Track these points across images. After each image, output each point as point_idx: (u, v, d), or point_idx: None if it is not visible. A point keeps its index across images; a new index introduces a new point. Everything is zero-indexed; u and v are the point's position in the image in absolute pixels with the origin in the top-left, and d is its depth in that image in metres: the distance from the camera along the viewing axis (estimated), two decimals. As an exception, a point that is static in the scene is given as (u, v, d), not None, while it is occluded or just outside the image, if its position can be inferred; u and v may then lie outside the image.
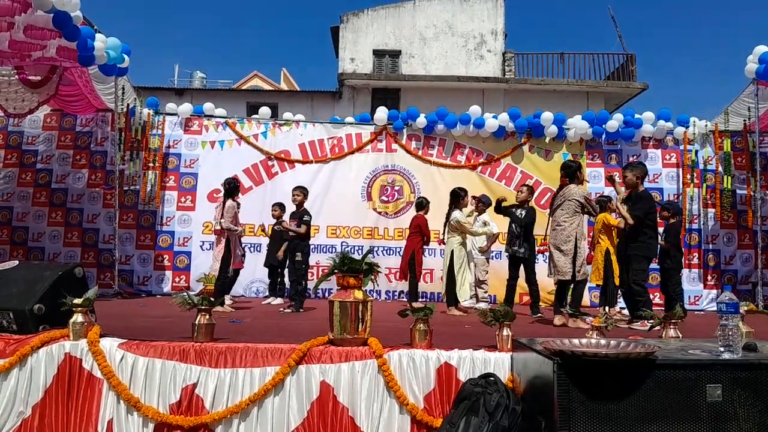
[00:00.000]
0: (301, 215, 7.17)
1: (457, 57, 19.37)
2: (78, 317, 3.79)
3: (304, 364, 3.59)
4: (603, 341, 3.04)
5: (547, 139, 9.78)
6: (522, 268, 6.96)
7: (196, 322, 3.84)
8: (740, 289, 9.09)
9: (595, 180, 9.59)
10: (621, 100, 18.92)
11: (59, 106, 9.26)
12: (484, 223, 7.89)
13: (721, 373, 2.63)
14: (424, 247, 7.88)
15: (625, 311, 6.60)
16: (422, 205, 7.81)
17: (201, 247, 9.38)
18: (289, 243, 7.26)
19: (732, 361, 2.70)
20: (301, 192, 7.44)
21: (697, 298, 9.27)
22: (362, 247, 9.20)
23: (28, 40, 6.52)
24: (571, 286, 5.96)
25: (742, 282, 9.34)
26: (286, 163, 9.80)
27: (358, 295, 3.78)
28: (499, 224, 8.00)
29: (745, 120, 9.24)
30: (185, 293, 4.18)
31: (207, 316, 3.88)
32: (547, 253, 6.63)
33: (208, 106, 10.13)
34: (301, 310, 6.81)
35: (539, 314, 6.75)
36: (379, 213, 9.76)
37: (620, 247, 6.47)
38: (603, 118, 9.72)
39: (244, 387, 3.54)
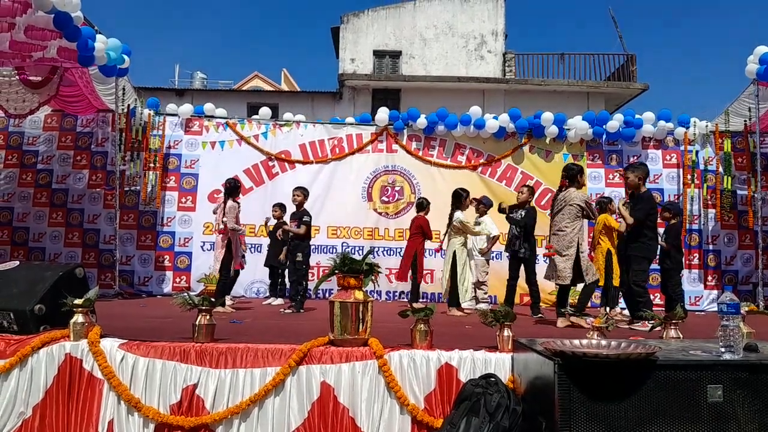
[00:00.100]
0: (300, 216, 7.17)
1: (457, 57, 19.37)
2: (78, 318, 3.79)
3: (305, 364, 3.59)
4: (604, 342, 3.03)
5: (548, 140, 9.78)
6: (522, 268, 6.96)
7: (197, 322, 3.84)
8: (741, 290, 9.09)
9: (596, 180, 9.59)
10: (621, 101, 18.92)
11: (60, 107, 9.27)
12: (476, 223, 7.88)
13: (722, 374, 2.63)
14: (425, 247, 7.88)
15: (626, 312, 6.60)
16: (423, 205, 7.81)
17: (202, 247, 9.38)
18: (290, 243, 7.26)
19: (733, 361, 2.69)
20: (302, 192, 7.44)
21: (697, 299, 9.27)
22: (363, 247, 9.20)
23: (28, 41, 6.53)
24: (571, 288, 5.96)
25: (743, 282, 9.33)
26: (286, 164, 9.81)
27: (359, 295, 3.78)
28: (500, 225, 7.99)
29: (745, 120, 9.24)
30: (186, 294, 4.18)
31: (207, 317, 3.88)
32: (542, 255, 6.64)
33: (208, 107, 10.14)
34: (302, 310, 6.81)
35: (540, 315, 6.74)
36: (380, 213, 9.76)
37: (620, 248, 6.47)
38: (603, 119, 9.72)
39: (244, 387, 3.54)
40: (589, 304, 6.34)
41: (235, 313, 6.54)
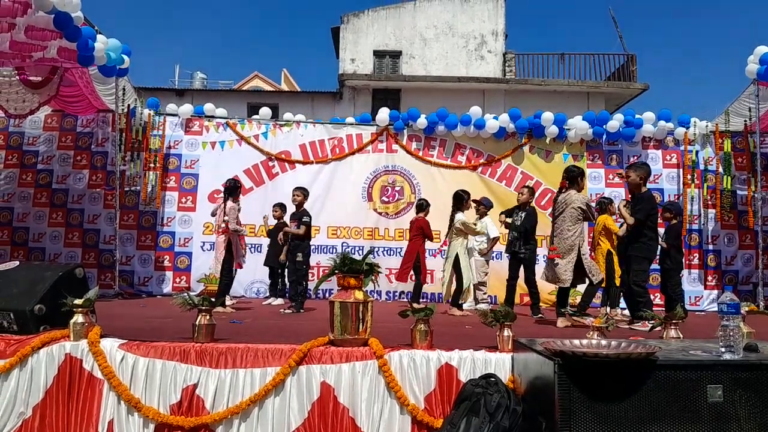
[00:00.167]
0: (300, 216, 7.17)
1: (457, 57, 19.38)
2: (78, 318, 3.79)
3: (305, 364, 3.59)
4: (604, 342, 3.03)
5: (548, 140, 9.78)
6: (522, 268, 6.96)
7: (197, 322, 3.84)
8: (741, 290, 9.09)
9: (596, 181, 9.59)
10: (621, 101, 18.92)
11: (60, 107, 9.27)
12: (473, 224, 7.88)
13: (722, 374, 2.63)
14: (426, 248, 7.88)
15: (626, 312, 6.60)
16: (422, 207, 7.80)
17: (201, 247, 9.38)
18: (290, 243, 7.26)
19: (733, 361, 2.69)
20: (301, 193, 7.44)
21: (697, 299, 9.26)
22: (363, 247, 9.20)
23: (29, 41, 6.53)
24: (571, 289, 5.96)
25: (743, 282, 9.33)
26: (286, 164, 9.81)
27: (359, 295, 3.78)
28: (500, 226, 7.98)
29: (745, 120, 9.23)
30: (186, 294, 4.18)
31: (207, 317, 3.88)
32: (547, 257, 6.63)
33: (208, 107, 10.14)
34: (302, 310, 6.81)
35: (540, 315, 6.74)
36: (380, 213, 9.76)
37: (620, 248, 6.47)
38: (603, 119, 9.72)
39: (244, 387, 3.54)
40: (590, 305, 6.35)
41: (235, 313, 6.54)
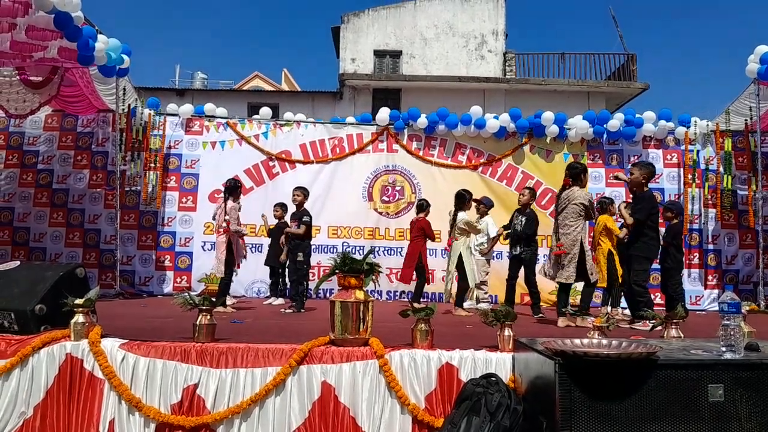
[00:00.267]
0: (300, 216, 7.17)
1: (457, 57, 19.37)
2: (79, 318, 3.79)
3: (306, 364, 3.59)
4: (605, 341, 3.03)
5: (548, 140, 9.77)
6: (522, 268, 6.96)
7: (198, 322, 3.84)
8: (742, 289, 9.09)
9: (597, 180, 9.58)
10: (622, 100, 18.92)
11: (60, 107, 9.28)
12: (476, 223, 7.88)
13: (722, 373, 2.63)
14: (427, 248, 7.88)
15: (627, 311, 6.60)
16: (423, 207, 7.79)
17: (202, 247, 9.38)
18: (290, 243, 7.26)
19: (734, 361, 2.69)
20: (302, 192, 7.43)
21: (698, 298, 9.26)
22: (363, 247, 9.20)
23: (29, 41, 6.53)
24: (571, 288, 5.97)
25: (744, 282, 9.33)
26: (287, 164, 9.81)
27: (360, 295, 3.78)
28: (500, 225, 7.99)
29: (746, 120, 9.23)
30: (186, 294, 4.18)
31: (208, 317, 3.88)
32: (547, 255, 6.63)
33: (209, 107, 10.14)
34: (302, 310, 6.81)
35: (540, 314, 6.74)
36: (380, 213, 9.76)
37: (621, 248, 6.46)
38: (604, 118, 9.71)
39: (245, 387, 3.54)
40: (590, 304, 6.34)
41: (236, 313, 6.54)
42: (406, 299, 8.59)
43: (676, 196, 9.45)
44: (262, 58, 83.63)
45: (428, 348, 3.70)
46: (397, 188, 9.84)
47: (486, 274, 8.17)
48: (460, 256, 6.98)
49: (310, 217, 7.28)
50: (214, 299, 4.25)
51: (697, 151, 9.49)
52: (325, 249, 9.38)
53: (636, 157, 9.49)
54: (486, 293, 8.20)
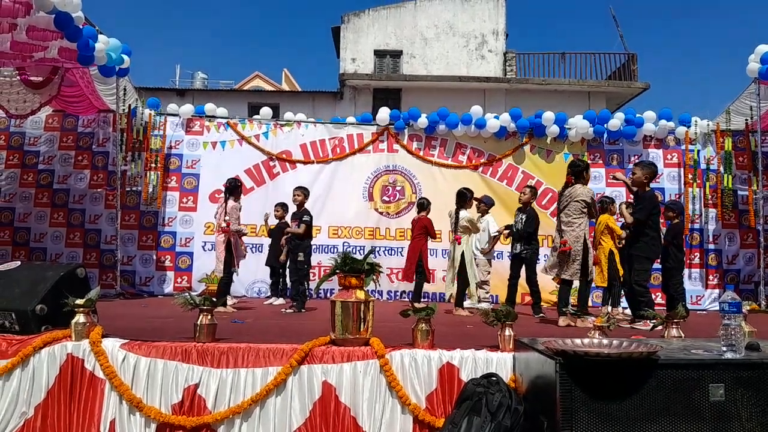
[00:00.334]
0: (301, 215, 7.17)
1: (458, 57, 19.37)
2: (80, 318, 3.79)
3: (306, 364, 3.59)
4: (605, 341, 3.03)
5: (549, 139, 9.77)
6: (524, 268, 6.96)
7: (198, 322, 3.84)
8: (743, 289, 9.07)
9: (597, 180, 9.57)
10: (622, 100, 18.91)
11: (61, 107, 9.28)
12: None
13: (723, 373, 2.63)
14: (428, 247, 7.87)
15: (628, 311, 6.60)
16: (424, 206, 7.79)
17: (203, 247, 9.38)
18: (290, 243, 7.26)
19: (734, 360, 2.69)
20: (302, 192, 7.43)
21: (699, 298, 9.25)
22: (364, 247, 9.20)
23: (30, 41, 6.54)
24: (575, 287, 5.97)
25: (745, 281, 9.31)
26: (287, 164, 9.81)
27: (360, 295, 3.78)
28: (501, 224, 7.99)
29: (746, 119, 9.22)
30: (187, 294, 4.19)
31: (209, 317, 3.88)
32: (549, 253, 6.63)
33: (209, 107, 10.14)
34: (303, 310, 6.81)
35: (541, 314, 6.74)
36: (381, 213, 9.76)
37: (622, 248, 6.45)
38: (604, 117, 9.71)
39: (246, 387, 3.54)
40: (590, 304, 6.35)
41: (237, 312, 6.54)
42: (406, 299, 8.59)
43: (677, 196, 9.43)
44: (262, 58, 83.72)
45: (429, 348, 3.70)
46: (398, 188, 9.84)
47: (488, 273, 8.17)
48: (462, 255, 6.98)
49: (311, 216, 7.28)
50: (214, 299, 4.25)
51: (698, 151, 9.48)
52: (326, 249, 9.38)
53: (636, 156, 9.48)
54: (487, 293, 8.20)
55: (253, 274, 9.14)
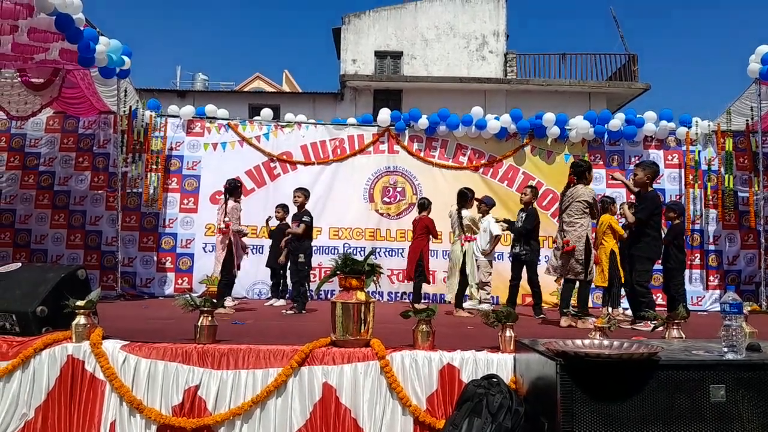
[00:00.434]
0: (301, 216, 7.17)
1: (458, 58, 19.38)
2: (80, 319, 3.79)
3: (307, 365, 3.58)
4: (606, 342, 3.03)
5: (549, 140, 9.76)
6: (525, 269, 6.95)
7: (199, 323, 3.84)
8: (744, 290, 9.05)
9: (597, 181, 9.54)
10: (623, 101, 18.91)
11: (62, 109, 9.29)
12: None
13: (724, 374, 2.62)
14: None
15: (628, 312, 6.59)
16: (425, 206, 7.78)
17: (204, 249, 9.38)
18: (291, 244, 7.26)
19: (735, 361, 2.69)
20: (302, 193, 7.43)
21: (699, 299, 9.24)
22: (364, 248, 9.20)
23: (30, 43, 6.55)
24: (576, 287, 5.96)
25: (746, 282, 9.30)
26: (288, 165, 9.81)
27: (361, 296, 3.78)
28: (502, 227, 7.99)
29: (747, 120, 9.22)
30: (188, 295, 4.18)
31: (209, 318, 3.88)
32: (550, 254, 6.62)
33: (210, 108, 10.15)
34: (303, 311, 6.81)
35: (542, 315, 6.74)
36: (381, 214, 9.76)
37: (624, 248, 6.45)
38: (605, 118, 9.71)
39: (246, 388, 3.54)
40: (591, 305, 6.34)
41: (237, 314, 6.54)
42: (407, 300, 8.58)
43: (678, 197, 9.43)
44: (262, 59, 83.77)
45: (429, 349, 3.70)
46: (398, 189, 9.84)
47: (489, 274, 8.16)
48: (464, 255, 6.97)
49: (311, 217, 7.27)
50: (215, 300, 4.25)
51: (699, 152, 9.48)
52: (326, 250, 9.38)
53: (637, 157, 9.46)
54: (488, 294, 8.19)
55: (253, 276, 9.14)
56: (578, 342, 2.97)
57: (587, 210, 5.82)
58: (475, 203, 7.84)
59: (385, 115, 9.97)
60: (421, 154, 9.89)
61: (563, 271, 5.88)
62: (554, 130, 9.60)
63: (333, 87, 19.89)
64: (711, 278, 9.36)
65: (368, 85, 18.28)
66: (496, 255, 8.51)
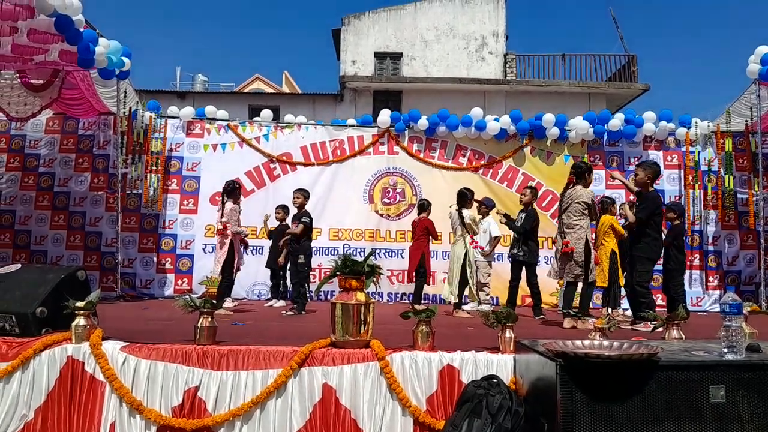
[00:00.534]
0: (300, 217, 7.17)
1: (458, 59, 19.39)
2: (80, 320, 3.79)
3: (307, 366, 3.59)
4: (606, 342, 3.03)
5: (549, 141, 9.76)
6: (524, 270, 6.95)
7: (199, 324, 3.84)
8: (744, 290, 9.05)
9: (597, 182, 9.54)
10: (622, 102, 18.92)
11: (62, 110, 9.29)
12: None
13: (724, 374, 2.62)
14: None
15: (628, 312, 6.59)
16: (425, 207, 7.78)
17: (203, 250, 9.38)
18: (290, 245, 7.26)
19: (735, 362, 2.69)
20: (302, 194, 7.43)
21: (699, 300, 9.24)
22: (364, 249, 9.20)
23: (30, 44, 6.54)
24: (578, 288, 5.97)
25: (746, 283, 9.29)
26: (287, 166, 9.81)
27: (360, 297, 3.78)
28: (501, 227, 7.97)
29: (746, 120, 9.22)
30: (188, 296, 4.18)
31: (209, 319, 3.88)
32: (551, 255, 6.63)
33: (210, 109, 10.15)
34: (303, 312, 6.81)
35: (542, 316, 6.74)
36: (381, 215, 9.76)
37: (624, 249, 6.44)
38: (604, 118, 9.70)
39: (246, 389, 3.54)
40: (591, 305, 6.33)
41: (236, 315, 6.54)
42: (407, 301, 8.59)
43: (677, 198, 9.43)
44: (262, 60, 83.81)
45: (429, 350, 3.70)
46: (398, 190, 9.84)
47: (488, 275, 8.17)
48: (465, 255, 6.97)
49: (311, 218, 7.27)
50: (215, 301, 4.25)
51: (698, 152, 9.47)
52: (326, 251, 9.38)
53: (637, 158, 9.44)
54: (488, 295, 8.19)
55: (253, 277, 9.14)
56: (578, 343, 2.97)
57: (586, 211, 5.82)
58: (475, 204, 7.85)
59: (384, 116, 9.97)
60: (421, 155, 9.89)
61: (562, 273, 5.88)
62: (554, 131, 9.60)
63: (333, 88, 19.95)
64: (711, 279, 9.35)
65: (368, 86, 18.29)
66: (495, 256, 8.51)
